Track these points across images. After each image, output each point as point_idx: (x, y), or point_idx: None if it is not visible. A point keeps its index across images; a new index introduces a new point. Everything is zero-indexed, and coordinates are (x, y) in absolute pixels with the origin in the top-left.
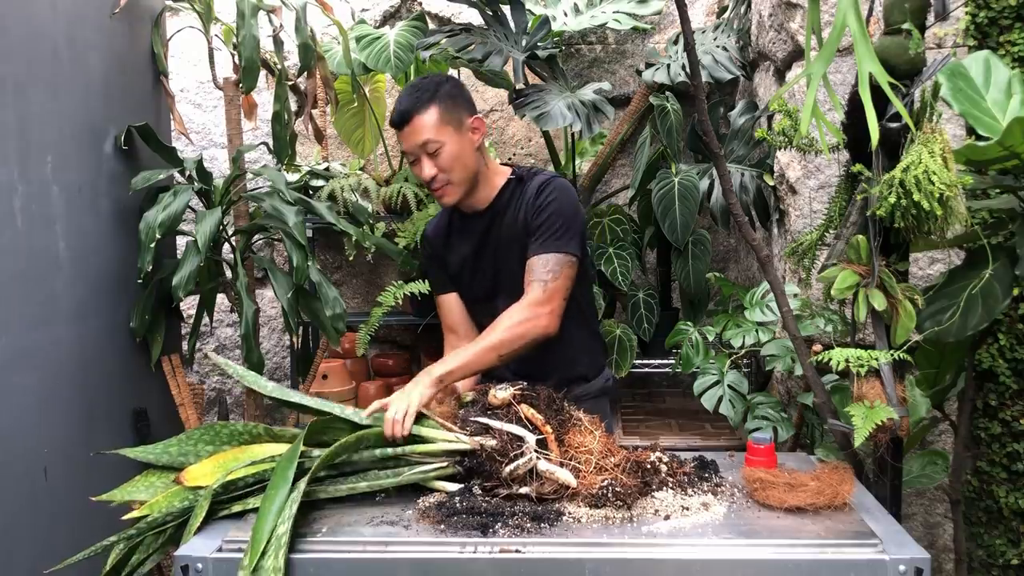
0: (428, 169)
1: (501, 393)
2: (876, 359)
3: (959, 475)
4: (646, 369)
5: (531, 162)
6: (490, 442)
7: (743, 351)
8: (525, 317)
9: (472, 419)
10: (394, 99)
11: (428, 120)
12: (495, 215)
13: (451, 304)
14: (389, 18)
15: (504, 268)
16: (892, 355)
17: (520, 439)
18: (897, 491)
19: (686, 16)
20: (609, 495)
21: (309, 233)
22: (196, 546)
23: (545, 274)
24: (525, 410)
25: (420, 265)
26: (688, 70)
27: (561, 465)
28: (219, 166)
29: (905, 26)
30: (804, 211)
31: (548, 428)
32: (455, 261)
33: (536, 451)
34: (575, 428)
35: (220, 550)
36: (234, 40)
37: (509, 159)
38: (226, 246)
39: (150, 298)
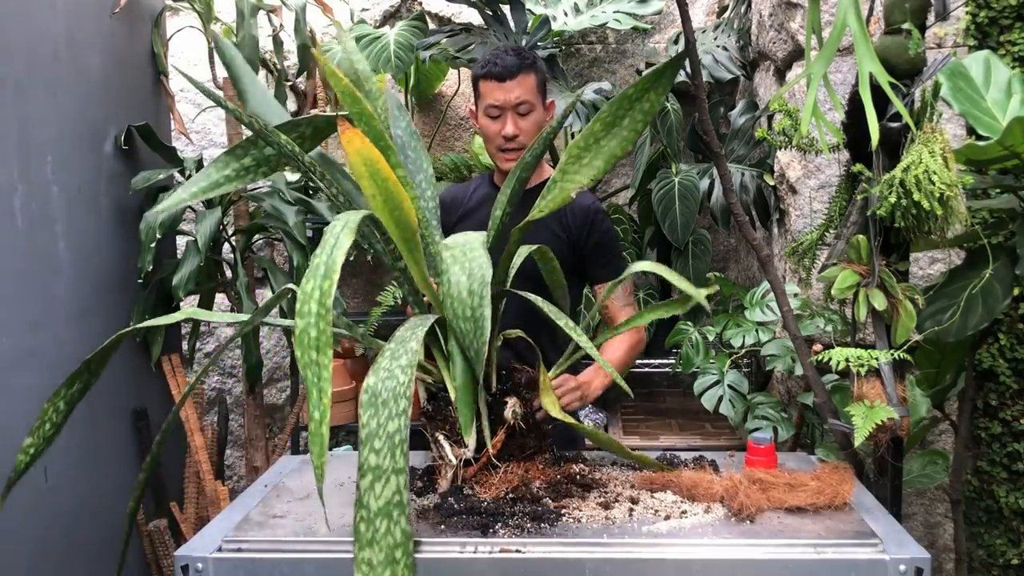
0: (511, 127)
1: (508, 412)
2: (876, 359)
3: (959, 475)
4: (646, 369)
5: None
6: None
7: (743, 351)
8: (635, 342)
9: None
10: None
11: (529, 83)
12: (529, 202)
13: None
14: (389, 18)
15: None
16: (892, 355)
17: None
18: (897, 491)
19: (687, 16)
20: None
21: (309, 233)
22: (196, 546)
23: (627, 298)
24: (497, 439)
25: None
26: (688, 70)
27: (454, 481)
28: None
29: (905, 26)
30: (804, 211)
31: (490, 456)
32: (467, 228)
33: (455, 459)
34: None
35: (220, 550)
36: (234, 40)
37: None
38: (226, 246)
39: (150, 298)
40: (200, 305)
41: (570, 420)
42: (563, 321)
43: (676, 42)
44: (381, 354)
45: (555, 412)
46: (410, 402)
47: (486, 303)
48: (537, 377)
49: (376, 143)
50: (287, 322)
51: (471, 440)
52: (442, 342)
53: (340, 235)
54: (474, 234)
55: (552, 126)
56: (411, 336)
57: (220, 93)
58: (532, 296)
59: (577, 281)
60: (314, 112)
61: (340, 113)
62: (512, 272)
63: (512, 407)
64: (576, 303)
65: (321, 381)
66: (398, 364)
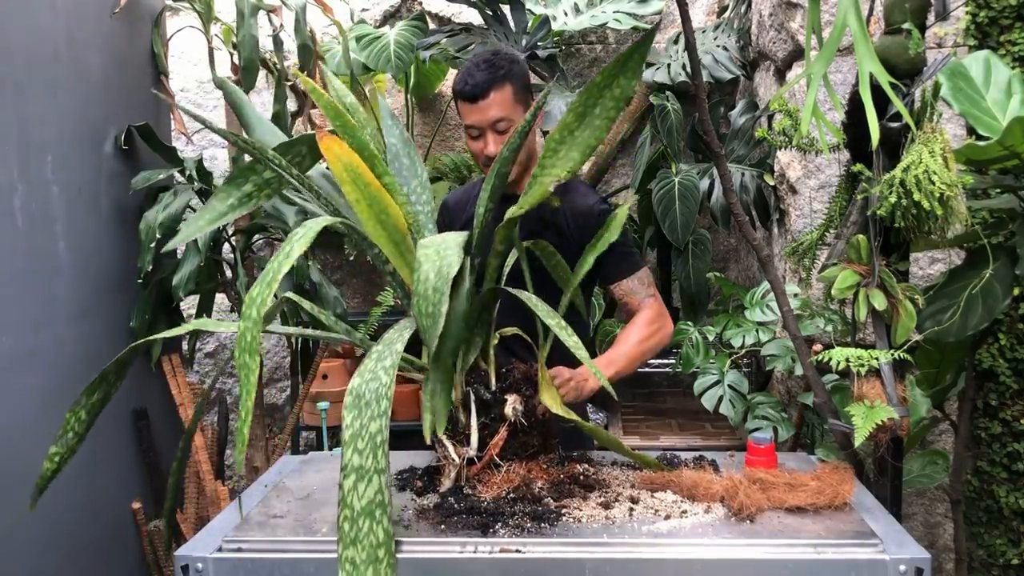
0: (493, 146)
1: (508, 409)
2: (876, 359)
3: (959, 475)
4: (646, 369)
5: None
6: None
7: (743, 351)
8: (654, 331)
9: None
10: (394, 99)
11: (503, 97)
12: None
13: None
14: (389, 18)
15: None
16: (892, 355)
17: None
18: (897, 491)
19: (687, 16)
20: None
21: None
22: (196, 546)
23: (648, 289)
24: (499, 437)
25: None
26: (688, 70)
27: (457, 480)
28: (219, 166)
29: (905, 26)
30: (804, 211)
31: (493, 456)
32: None
33: (458, 458)
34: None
35: (220, 550)
36: (234, 40)
37: None
38: (226, 246)
39: (150, 298)
40: (200, 305)
41: (573, 416)
42: (554, 321)
43: (676, 42)
44: (368, 356)
45: (555, 408)
46: (391, 403)
47: (445, 299)
48: (534, 372)
49: (360, 153)
50: (288, 329)
51: (446, 433)
52: None
53: (295, 244)
54: (452, 234)
55: (527, 119)
56: (397, 338)
57: (220, 93)
58: (524, 294)
59: (586, 283)
60: (309, 113)
61: (320, 131)
62: (506, 270)
63: (512, 404)
64: (586, 306)
65: (249, 384)
66: (382, 366)
